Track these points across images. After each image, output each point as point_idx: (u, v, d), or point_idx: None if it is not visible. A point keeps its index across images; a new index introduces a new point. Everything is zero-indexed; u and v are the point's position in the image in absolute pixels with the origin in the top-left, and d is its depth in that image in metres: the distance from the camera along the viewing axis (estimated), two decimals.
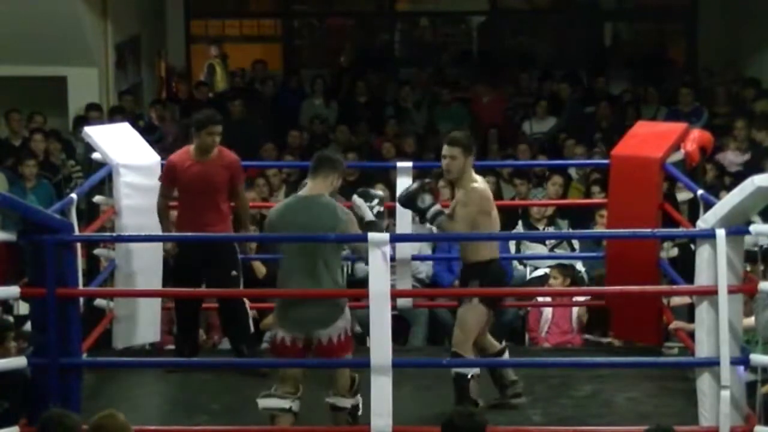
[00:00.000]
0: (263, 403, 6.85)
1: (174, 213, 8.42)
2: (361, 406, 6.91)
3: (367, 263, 6.80)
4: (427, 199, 7.27)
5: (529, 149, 12.78)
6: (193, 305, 8.35)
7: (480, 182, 7.39)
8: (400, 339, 9.45)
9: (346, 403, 6.86)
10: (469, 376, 7.20)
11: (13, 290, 6.91)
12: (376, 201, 7.07)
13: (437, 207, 7.27)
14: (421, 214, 7.42)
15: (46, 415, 5.26)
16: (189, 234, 8.12)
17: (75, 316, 6.94)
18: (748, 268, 7.09)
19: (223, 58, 17.28)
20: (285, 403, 6.80)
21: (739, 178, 9.82)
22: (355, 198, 7.11)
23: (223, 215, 8.24)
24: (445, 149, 7.34)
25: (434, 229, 10.36)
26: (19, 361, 6.87)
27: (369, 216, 7.04)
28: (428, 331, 9.87)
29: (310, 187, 6.88)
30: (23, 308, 8.22)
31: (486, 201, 7.33)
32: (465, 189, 7.32)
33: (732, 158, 12.41)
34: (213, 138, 8.17)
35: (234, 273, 8.16)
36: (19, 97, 13.22)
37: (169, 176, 8.27)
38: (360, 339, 9.35)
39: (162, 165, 8.49)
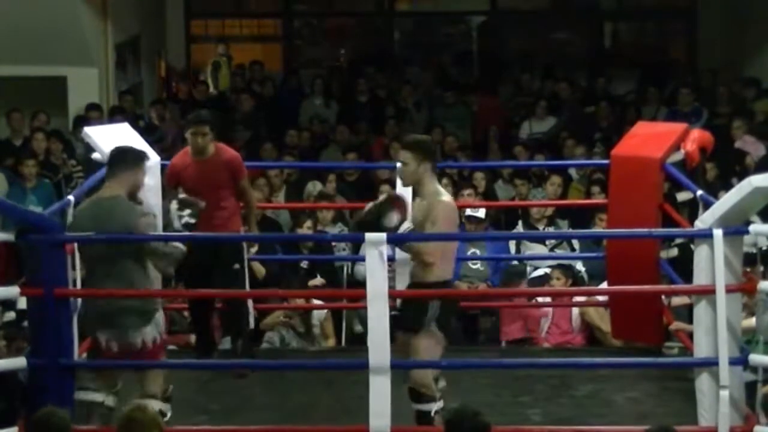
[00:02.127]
0: (78, 395, 6.77)
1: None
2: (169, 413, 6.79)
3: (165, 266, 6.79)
4: (395, 218, 6.63)
5: (524, 150, 12.75)
6: (202, 304, 8.40)
7: (445, 195, 6.80)
8: None
9: (155, 406, 6.48)
10: (432, 413, 6.80)
11: (12, 290, 6.94)
12: (187, 212, 6.94)
13: (407, 225, 6.67)
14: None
15: (35, 415, 5.26)
16: (188, 234, 8.06)
17: (66, 316, 6.90)
18: (748, 270, 7.08)
19: (229, 58, 17.28)
20: (99, 397, 6.75)
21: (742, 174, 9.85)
22: (172, 204, 7.00)
23: (230, 212, 8.28)
24: (400, 153, 6.89)
25: None
26: (18, 362, 6.88)
27: (176, 225, 6.95)
28: None
29: (105, 189, 6.75)
30: (23, 303, 8.20)
31: (453, 221, 6.87)
32: (429, 202, 6.71)
33: (757, 148, 12.36)
34: (198, 138, 8.20)
35: (236, 266, 8.19)
36: (20, 97, 13.21)
37: (172, 178, 8.33)
38: (360, 339, 9.34)
39: (162, 165, 8.49)
